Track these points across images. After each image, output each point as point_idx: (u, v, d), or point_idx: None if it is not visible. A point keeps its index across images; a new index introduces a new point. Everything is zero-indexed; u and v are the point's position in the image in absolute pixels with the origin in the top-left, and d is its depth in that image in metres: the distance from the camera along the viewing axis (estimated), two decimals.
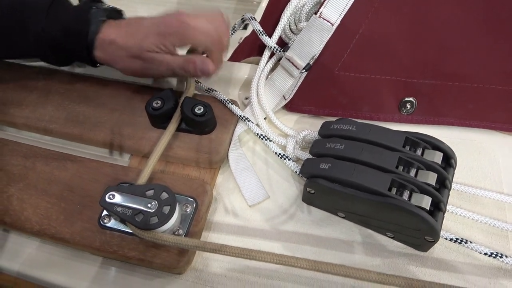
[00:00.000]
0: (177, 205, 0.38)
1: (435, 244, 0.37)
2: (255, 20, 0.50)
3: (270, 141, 0.45)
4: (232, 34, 0.53)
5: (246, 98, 0.51)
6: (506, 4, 0.43)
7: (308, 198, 0.42)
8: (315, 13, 0.44)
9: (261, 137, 0.46)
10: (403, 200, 0.35)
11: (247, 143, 0.48)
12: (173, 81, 0.52)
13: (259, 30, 0.49)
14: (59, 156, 0.45)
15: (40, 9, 0.44)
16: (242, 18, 0.53)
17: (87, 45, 0.44)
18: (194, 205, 0.40)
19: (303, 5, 0.48)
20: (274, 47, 0.48)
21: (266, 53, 0.49)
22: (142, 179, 0.40)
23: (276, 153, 0.45)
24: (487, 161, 0.44)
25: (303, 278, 0.38)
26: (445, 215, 0.37)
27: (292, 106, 0.49)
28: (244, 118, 0.46)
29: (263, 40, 0.49)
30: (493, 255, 0.36)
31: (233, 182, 0.44)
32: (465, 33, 0.44)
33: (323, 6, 0.43)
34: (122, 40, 0.44)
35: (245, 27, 0.59)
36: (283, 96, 0.49)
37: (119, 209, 0.37)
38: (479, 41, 0.43)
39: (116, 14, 0.48)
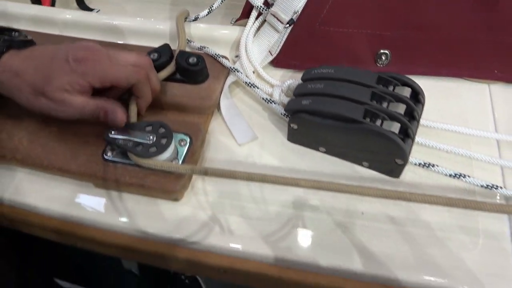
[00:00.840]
0: (173, 138, 0.42)
1: (406, 171, 0.42)
2: None
3: (258, 88, 0.50)
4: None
5: (236, 56, 0.55)
6: None
7: (293, 136, 0.46)
8: None
9: (250, 85, 0.50)
10: (376, 126, 0.39)
11: (237, 94, 0.52)
12: (167, 38, 0.56)
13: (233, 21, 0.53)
14: None
15: None
16: None
17: None
18: (189, 141, 0.44)
19: None
20: (260, 6, 0.52)
21: (253, 13, 0.53)
22: (132, 117, 0.44)
23: (263, 98, 0.49)
24: (455, 104, 0.48)
25: (291, 201, 0.42)
26: (414, 145, 0.42)
27: (278, 61, 0.54)
28: (234, 69, 0.51)
29: (250, 1, 0.53)
30: (457, 176, 0.41)
31: (225, 126, 0.49)
32: None
33: None
34: (28, 74, 0.40)
35: None
36: (270, 51, 0.53)
37: (121, 141, 0.41)
38: None
39: (23, 44, 0.44)
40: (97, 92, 0.42)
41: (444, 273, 0.37)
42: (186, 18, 0.57)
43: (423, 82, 0.44)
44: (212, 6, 0.56)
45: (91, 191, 0.44)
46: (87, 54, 0.40)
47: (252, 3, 0.53)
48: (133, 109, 0.45)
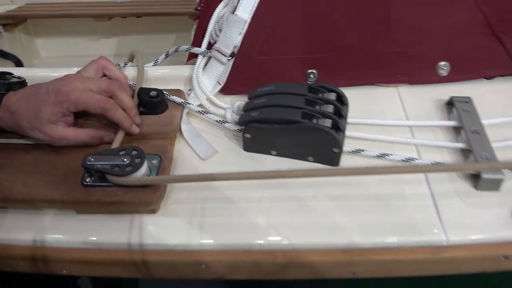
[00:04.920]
0: (145, 158, 0.48)
1: (343, 160, 0.51)
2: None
3: (210, 113, 0.58)
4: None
5: (190, 90, 0.63)
6: None
7: (248, 145, 0.54)
8: (232, 12, 0.59)
9: (202, 112, 0.58)
10: (313, 123, 0.49)
11: (196, 118, 0.60)
12: None
13: (187, 48, 0.63)
14: (38, 145, 0.53)
15: None
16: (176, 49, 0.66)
17: None
18: (159, 159, 0.50)
19: (222, 15, 0.63)
20: (204, 51, 0.62)
21: (200, 56, 0.63)
22: (115, 144, 0.50)
23: (217, 121, 0.57)
24: (374, 105, 0.60)
25: (254, 196, 0.49)
26: (346, 138, 0.51)
27: (226, 89, 0.63)
28: (185, 103, 0.58)
29: (194, 51, 0.63)
30: (382, 156, 0.51)
31: (188, 146, 0.56)
32: (341, 16, 0.61)
33: (237, 8, 0.59)
34: (22, 111, 0.48)
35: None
36: (218, 81, 0.62)
37: (99, 166, 0.47)
38: (350, 22, 0.61)
39: (18, 85, 0.53)
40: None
41: (388, 231, 0.45)
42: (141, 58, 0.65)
43: (347, 91, 0.55)
44: (168, 52, 0.65)
45: (74, 218, 0.48)
46: (62, 84, 0.48)
47: (197, 52, 0.62)
48: (118, 137, 0.52)
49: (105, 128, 0.54)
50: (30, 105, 0.48)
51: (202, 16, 0.68)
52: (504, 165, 0.47)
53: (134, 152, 0.48)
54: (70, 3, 1.24)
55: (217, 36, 0.64)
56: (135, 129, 0.53)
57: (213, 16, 0.63)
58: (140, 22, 1.24)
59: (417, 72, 0.62)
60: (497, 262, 0.45)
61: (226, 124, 0.56)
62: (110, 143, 0.52)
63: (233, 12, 0.60)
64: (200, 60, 0.63)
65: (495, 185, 0.48)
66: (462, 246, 0.45)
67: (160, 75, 0.64)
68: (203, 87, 0.60)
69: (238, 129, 0.55)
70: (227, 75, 0.62)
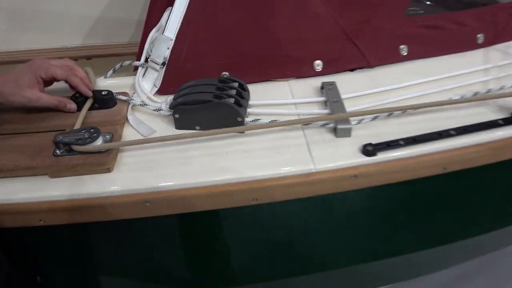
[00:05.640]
0: (100, 133, 0.66)
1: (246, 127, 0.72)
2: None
3: (149, 105, 0.77)
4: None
5: (134, 93, 0.83)
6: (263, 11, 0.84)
7: (177, 123, 0.74)
8: (161, 33, 0.80)
9: (143, 105, 0.77)
10: (221, 101, 0.70)
11: (138, 113, 0.79)
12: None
13: (130, 62, 0.83)
14: (14, 136, 0.70)
15: None
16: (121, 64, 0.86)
17: None
18: (111, 136, 0.69)
19: (155, 38, 0.85)
20: (142, 63, 0.83)
21: (139, 68, 0.83)
22: (77, 126, 0.68)
23: (154, 109, 0.77)
24: (272, 93, 0.82)
25: (183, 154, 0.68)
26: (249, 113, 0.73)
27: (161, 90, 0.83)
28: (129, 100, 0.78)
29: (135, 64, 0.83)
30: (272, 122, 0.72)
31: (133, 130, 0.74)
32: (242, 31, 0.84)
33: (165, 29, 0.81)
34: (5, 82, 0.68)
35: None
36: (154, 84, 0.82)
37: (66, 140, 0.64)
38: (249, 36, 0.84)
39: None
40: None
41: (279, 166, 0.66)
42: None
43: (252, 86, 0.77)
44: (115, 67, 0.84)
45: (48, 180, 0.65)
46: (35, 59, 0.72)
47: (137, 64, 0.83)
48: (79, 120, 0.71)
49: (67, 99, 0.74)
50: (9, 77, 0.68)
51: (142, 40, 0.89)
52: (350, 114, 0.71)
53: (92, 130, 0.66)
54: (24, 51, 1.34)
55: (150, 51, 0.85)
56: (89, 92, 0.75)
57: (148, 38, 0.84)
58: (90, 63, 1.41)
59: (300, 69, 0.86)
60: (350, 181, 0.67)
61: (161, 111, 0.76)
62: (71, 112, 0.72)
63: (162, 33, 0.81)
64: (140, 70, 0.83)
65: (347, 132, 0.71)
66: (326, 171, 0.66)
67: (109, 85, 0.83)
68: (144, 89, 0.80)
69: (170, 114, 0.75)
70: (161, 79, 0.82)
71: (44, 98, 0.71)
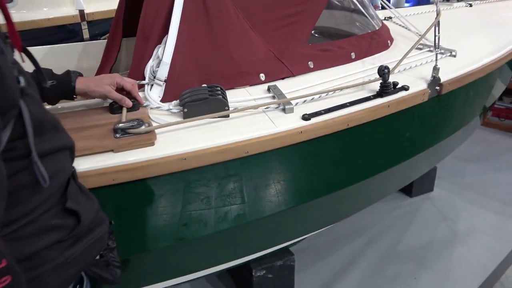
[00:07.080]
0: (143, 122, 1.03)
1: (231, 116, 1.15)
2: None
3: (161, 107, 1.16)
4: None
5: (145, 101, 1.19)
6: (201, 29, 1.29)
7: (186, 115, 1.13)
8: (161, 60, 1.20)
9: (157, 107, 1.15)
10: (213, 97, 1.12)
11: (154, 113, 1.16)
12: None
13: (137, 82, 1.21)
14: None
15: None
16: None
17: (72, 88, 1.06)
18: (148, 124, 1.05)
19: (153, 66, 1.23)
20: (147, 82, 1.21)
21: (146, 86, 1.21)
22: (123, 119, 1.03)
23: (167, 109, 1.15)
24: (239, 98, 1.26)
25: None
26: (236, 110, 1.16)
27: (164, 99, 1.21)
28: (145, 106, 1.15)
29: (142, 83, 1.21)
30: (234, 108, 1.16)
31: (154, 123, 1.11)
32: (208, 57, 1.28)
33: (163, 56, 1.20)
34: (92, 82, 1.08)
35: None
36: (159, 96, 1.21)
37: (122, 126, 1.00)
38: (213, 60, 1.28)
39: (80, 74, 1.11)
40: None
41: (249, 133, 1.09)
42: None
43: (229, 92, 1.20)
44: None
45: (114, 154, 0.98)
46: (115, 74, 1.08)
47: (144, 83, 1.21)
48: (124, 113, 1.07)
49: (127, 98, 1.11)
50: (95, 77, 1.09)
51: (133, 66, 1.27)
52: (291, 99, 1.19)
53: (137, 120, 1.03)
54: None
55: (152, 73, 1.24)
56: (142, 101, 1.14)
57: (147, 66, 1.23)
58: None
59: (251, 80, 1.32)
60: (298, 135, 1.13)
61: (171, 110, 1.15)
62: (127, 107, 1.11)
63: (160, 59, 1.21)
64: (147, 87, 1.21)
65: (291, 110, 1.18)
66: (284, 130, 1.11)
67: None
68: (154, 98, 1.18)
69: (179, 110, 1.14)
70: (163, 91, 1.20)
71: (114, 93, 1.08)
